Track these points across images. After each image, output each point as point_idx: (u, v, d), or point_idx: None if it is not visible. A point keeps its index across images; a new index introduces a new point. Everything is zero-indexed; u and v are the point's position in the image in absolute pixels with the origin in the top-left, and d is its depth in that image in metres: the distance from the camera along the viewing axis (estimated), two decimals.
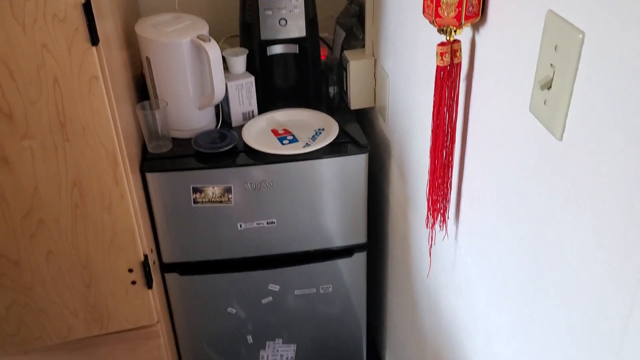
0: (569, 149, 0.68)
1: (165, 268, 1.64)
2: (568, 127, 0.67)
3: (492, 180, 0.90)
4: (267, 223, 1.60)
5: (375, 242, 1.85)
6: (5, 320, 1.40)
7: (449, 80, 0.90)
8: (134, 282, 1.44)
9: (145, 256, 1.43)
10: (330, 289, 1.74)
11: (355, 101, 1.66)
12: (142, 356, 1.59)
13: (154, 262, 1.55)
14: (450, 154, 0.96)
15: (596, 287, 0.65)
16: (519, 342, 0.88)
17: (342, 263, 1.71)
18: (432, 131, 0.95)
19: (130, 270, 1.42)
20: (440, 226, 1.06)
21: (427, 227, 1.07)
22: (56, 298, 1.40)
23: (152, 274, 1.46)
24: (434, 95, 0.92)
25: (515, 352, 0.90)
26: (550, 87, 0.68)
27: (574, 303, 0.71)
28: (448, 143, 0.94)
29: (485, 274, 0.97)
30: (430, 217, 1.05)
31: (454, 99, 0.92)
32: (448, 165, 0.96)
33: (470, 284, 1.05)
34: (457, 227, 1.07)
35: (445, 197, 1.00)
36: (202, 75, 1.52)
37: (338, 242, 1.67)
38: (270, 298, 1.72)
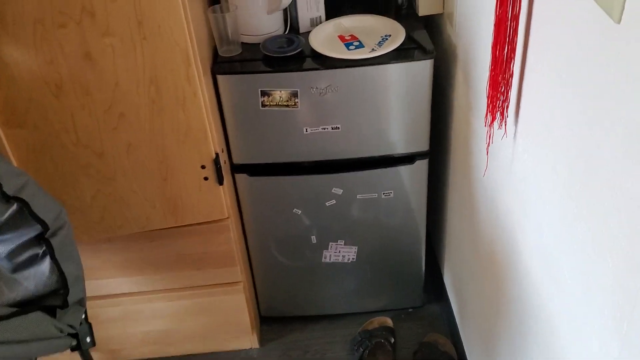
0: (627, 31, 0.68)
1: (236, 169, 1.73)
2: (627, 8, 0.67)
3: (553, 72, 0.90)
4: (332, 128, 1.65)
5: (437, 150, 1.87)
6: (91, 208, 1.54)
7: None
8: (206, 178, 1.54)
9: (217, 154, 1.52)
10: (392, 195, 1.79)
11: (424, 7, 1.65)
12: (214, 248, 1.72)
13: (225, 162, 1.64)
14: (512, 49, 0.97)
15: None
16: (565, 231, 0.91)
17: (403, 170, 1.75)
18: (494, 25, 0.95)
19: (203, 167, 1.52)
20: (499, 124, 1.08)
21: (485, 125, 1.09)
22: (136, 188, 1.52)
23: (222, 172, 1.56)
24: None
25: (562, 240, 0.93)
26: None
27: (621, 187, 0.73)
28: (510, 36, 0.94)
29: (540, 165, 0.99)
30: (489, 114, 1.06)
31: None
32: (509, 59, 0.96)
33: (525, 180, 1.07)
34: (516, 126, 1.08)
35: (505, 93, 1.01)
36: None
37: (400, 148, 1.70)
38: (334, 201, 1.80)
